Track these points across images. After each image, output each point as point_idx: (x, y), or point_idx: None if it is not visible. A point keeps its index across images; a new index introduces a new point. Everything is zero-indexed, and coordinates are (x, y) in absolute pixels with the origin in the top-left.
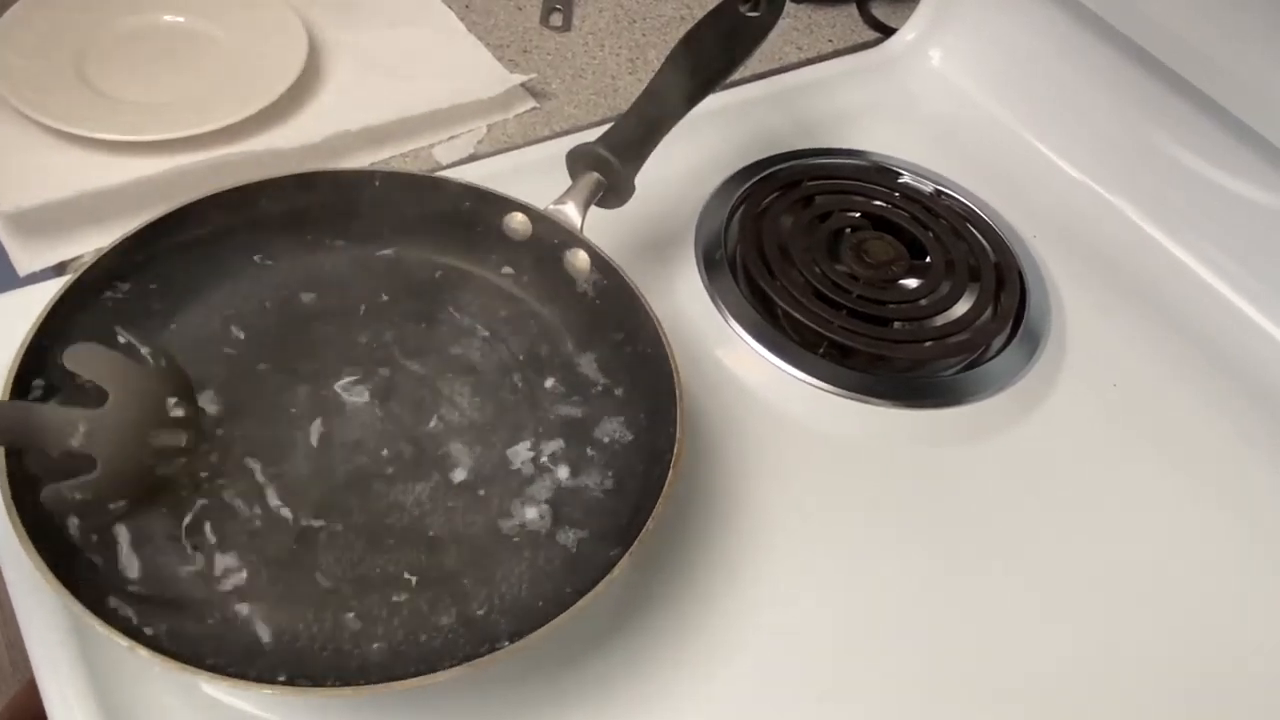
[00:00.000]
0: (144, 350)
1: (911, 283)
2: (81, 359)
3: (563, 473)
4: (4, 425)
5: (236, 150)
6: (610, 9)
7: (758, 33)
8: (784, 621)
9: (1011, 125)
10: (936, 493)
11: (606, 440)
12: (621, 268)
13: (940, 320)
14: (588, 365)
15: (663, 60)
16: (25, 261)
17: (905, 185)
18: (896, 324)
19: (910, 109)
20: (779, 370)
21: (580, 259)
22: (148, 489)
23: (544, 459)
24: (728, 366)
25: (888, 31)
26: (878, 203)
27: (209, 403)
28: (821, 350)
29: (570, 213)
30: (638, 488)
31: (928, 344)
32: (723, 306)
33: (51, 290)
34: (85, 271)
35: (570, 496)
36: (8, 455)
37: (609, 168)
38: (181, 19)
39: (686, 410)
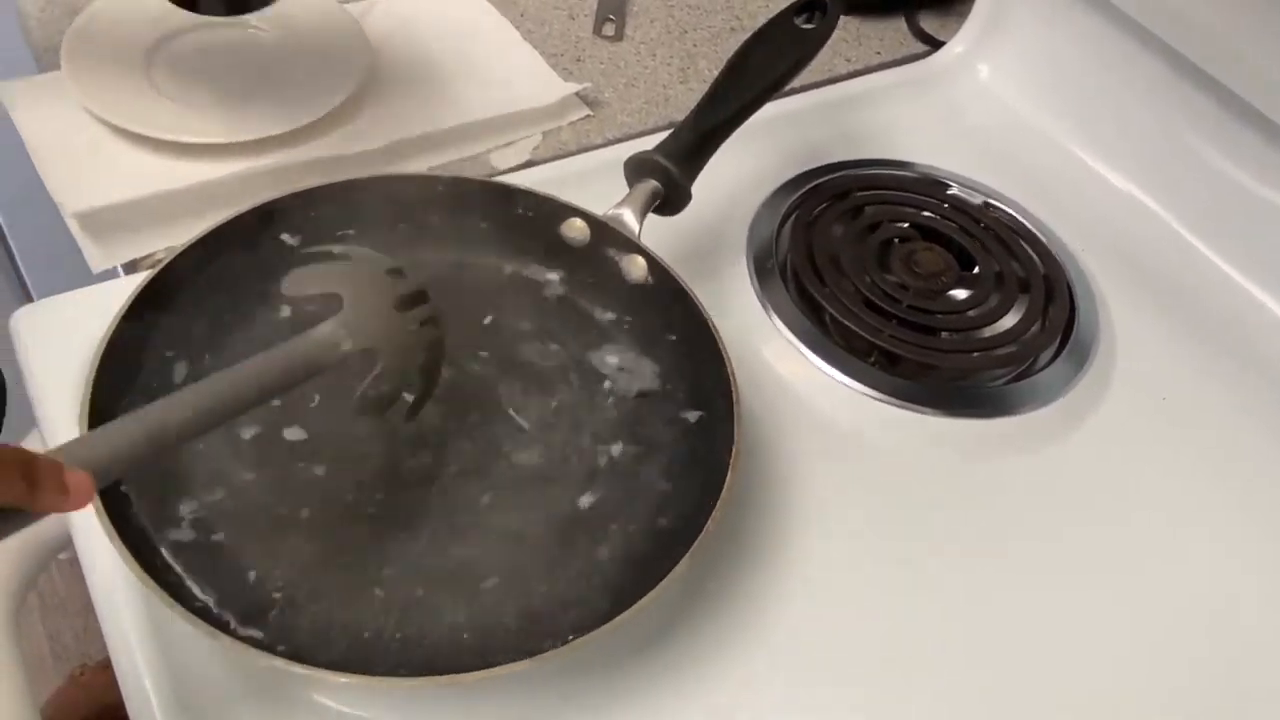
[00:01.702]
0: (336, 250)
1: (960, 294)
2: (298, 283)
3: (621, 473)
4: (286, 368)
5: (299, 155)
6: (662, 19)
7: (812, 44)
8: (826, 625)
9: (1060, 138)
10: (983, 503)
11: (663, 442)
12: (678, 274)
13: (988, 331)
14: (643, 370)
15: (714, 70)
16: (99, 259)
17: (954, 197)
18: (944, 334)
19: (958, 121)
20: (828, 377)
21: (637, 265)
22: (432, 367)
23: (601, 460)
24: (777, 371)
25: (936, 44)
26: (927, 214)
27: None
28: (872, 359)
29: (628, 219)
30: (695, 488)
31: (975, 354)
32: (773, 313)
33: (129, 286)
34: (163, 269)
35: (628, 495)
36: None
37: (667, 175)
38: (246, 23)
39: (741, 415)
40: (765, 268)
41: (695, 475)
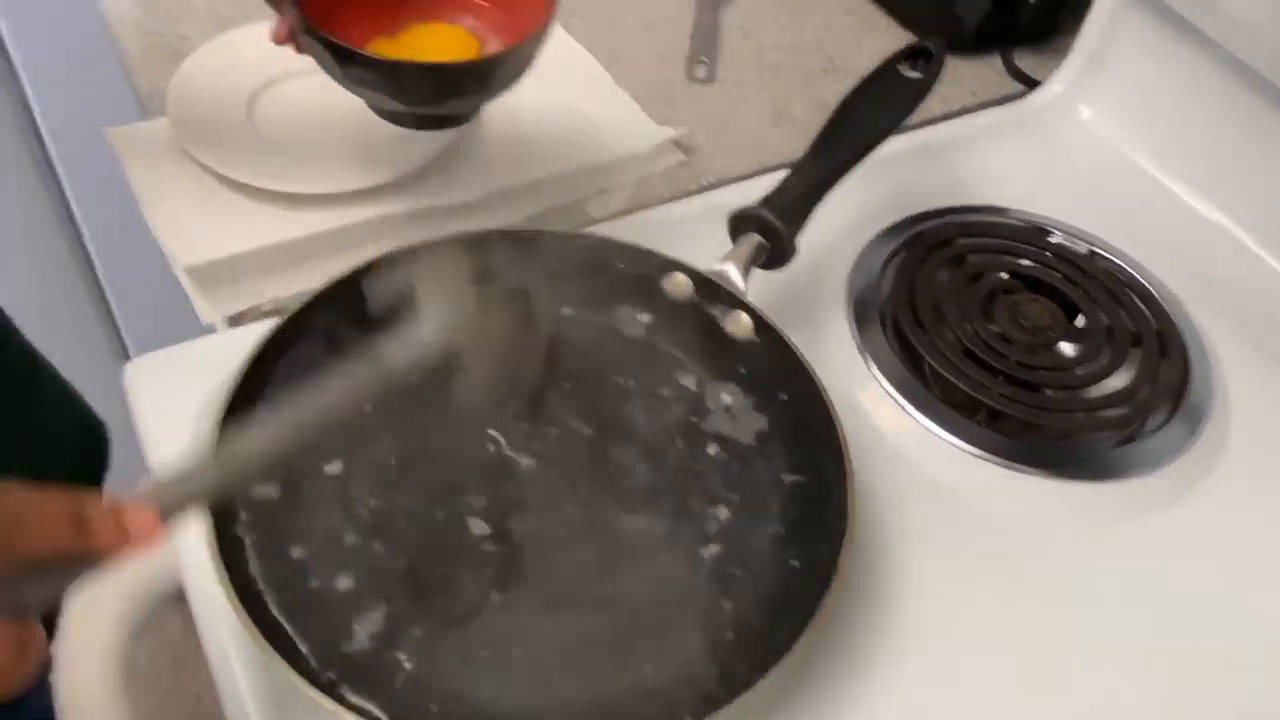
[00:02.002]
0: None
1: (1068, 349)
2: (379, 287)
3: (729, 541)
4: (370, 385)
5: (399, 206)
6: (754, 61)
7: (917, 93)
8: (922, 689)
9: (1167, 183)
10: (1088, 569)
11: (770, 510)
12: (786, 334)
13: (1096, 390)
14: (748, 432)
15: (808, 113)
16: (207, 310)
17: (1058, 245)
18: (1049, 391)
19: (1059, 164)
20: (927, 430)
21: (742, 322)
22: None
23: (710, 527)
24: (874, 422)
25: (1033, 84)
26: (1029, 262)
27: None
28: (978, 417)
29: (732, 275)
30: (805, 559)
31: (1081, 415)
32: (872, 362)
33: (244, 337)
34: (289, 319)
35: (738, 565)
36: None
37: (772, 230)
38: None
39: (855, 487)
40: (865, 317)
41: (804, 545)
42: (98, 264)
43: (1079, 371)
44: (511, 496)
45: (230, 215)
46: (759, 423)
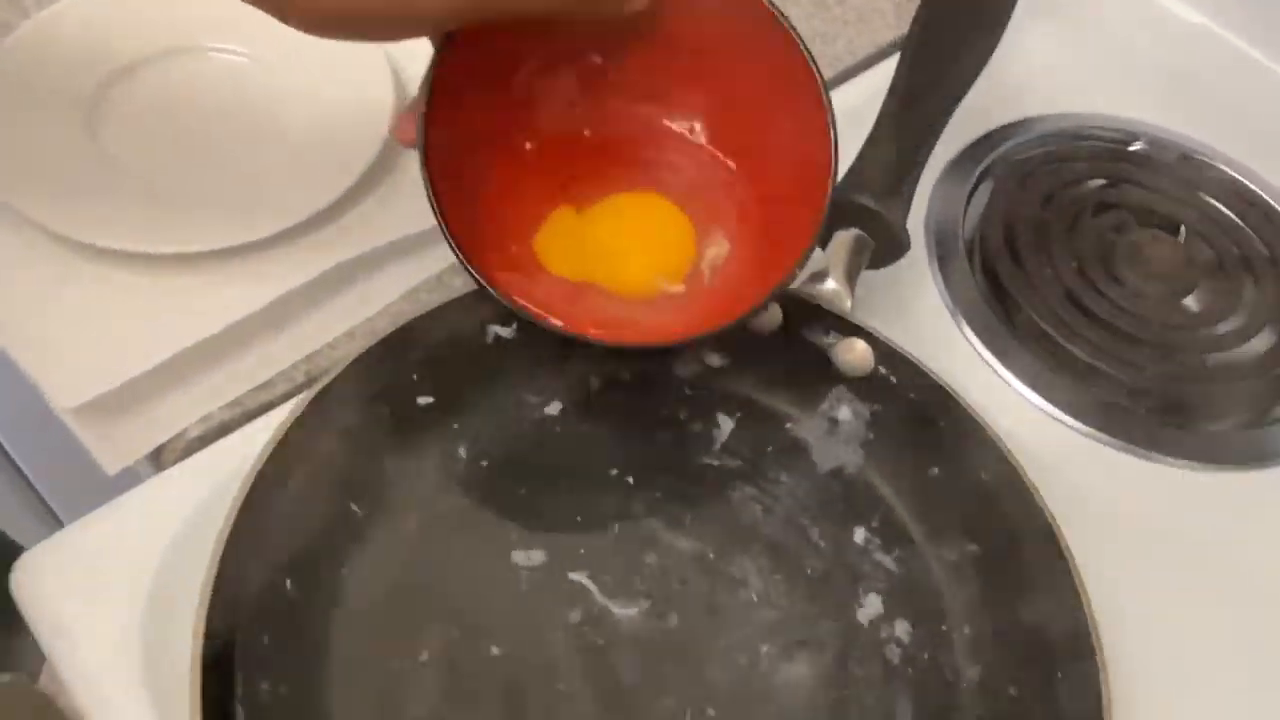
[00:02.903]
0: None
1: (1192, 302)
2: None
3: (914, 663)
4: None
5: (313, 259)
6: None
7: None
8: None
9: (1250, 51)
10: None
11: (951, 608)
12: (928, 366)
13: (1218, 354)
14: (897, 503)
15: (808, 21)
16: (112, 457)
17: (1142, 155)
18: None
19: (1113, 39)
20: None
21: (856, 353)
22: None
23: (885, 646)
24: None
25: None
26: (1113, 185)
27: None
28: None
29: (831, 291)
30: (1017, 677)
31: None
32: (965, 324)
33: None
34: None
35: (934, 694)
36: None
37: (872, 218)
38: (242, 54)
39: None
40: (953, 273)
41: (1011, 654)
42: None
43: (1207, 331)
44: (604, 652)
45: (109, 304)
46: (906, 490)
